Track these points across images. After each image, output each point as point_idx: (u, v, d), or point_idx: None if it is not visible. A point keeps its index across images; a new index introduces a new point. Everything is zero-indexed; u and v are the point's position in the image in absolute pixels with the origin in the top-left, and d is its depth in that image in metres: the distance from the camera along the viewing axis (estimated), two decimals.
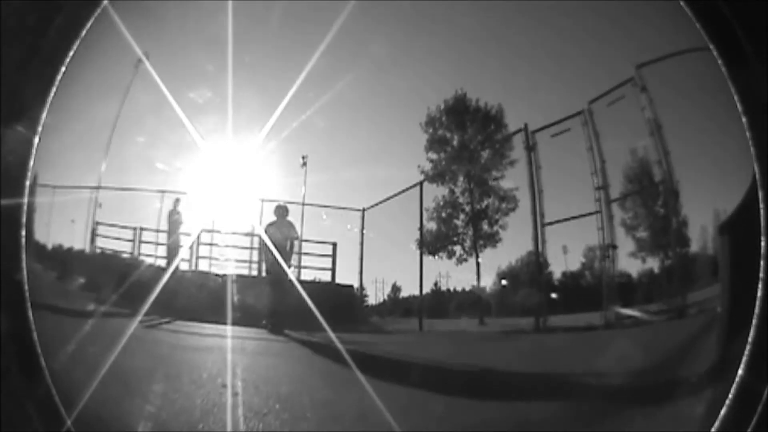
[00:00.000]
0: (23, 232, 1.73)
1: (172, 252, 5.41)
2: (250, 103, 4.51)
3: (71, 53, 1.82)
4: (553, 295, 5.53)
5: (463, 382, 3.77)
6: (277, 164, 5.19)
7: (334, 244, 5.93)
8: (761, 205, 1.54)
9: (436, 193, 6.25)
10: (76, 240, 4.90)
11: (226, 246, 5.66)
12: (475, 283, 6.06)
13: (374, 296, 6.13)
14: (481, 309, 5.99)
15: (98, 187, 4.91)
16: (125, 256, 5.34)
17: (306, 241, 5.79)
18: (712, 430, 1.45)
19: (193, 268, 5.70)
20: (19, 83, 1.72)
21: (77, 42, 1.83)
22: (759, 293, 1.50)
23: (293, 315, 4.86)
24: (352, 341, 4.46)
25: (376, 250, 6.10)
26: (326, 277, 5.88)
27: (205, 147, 4.35)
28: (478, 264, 6.13)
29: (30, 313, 1.73)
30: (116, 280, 4.41)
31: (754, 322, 1.49)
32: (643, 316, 5.17)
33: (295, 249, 5.57)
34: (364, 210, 6.13)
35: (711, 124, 4.93)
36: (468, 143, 6.33)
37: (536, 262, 5.76)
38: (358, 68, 5.15)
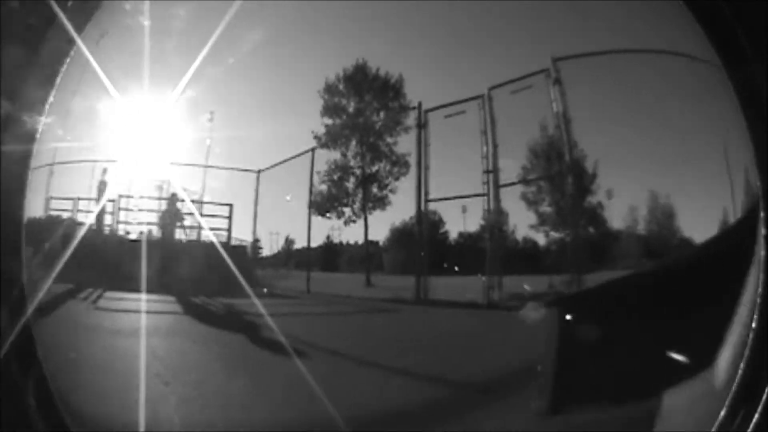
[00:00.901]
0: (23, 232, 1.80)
1: (100, 217, 6.09)
2: (165, 67, 4.48)
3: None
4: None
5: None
6: (186, 123, 5.26)
7: (231, 205, 6.11)
8: (761, 205, 1.51)
9: (329, 157, 6.29)
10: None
11: (140, 210, 5.99)
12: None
13: (269, 248, 6.52)
14: (370, 266, 6.42)
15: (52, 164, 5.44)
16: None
17: (205, 203, 6.00)
18: (713, 430, 1.46)
19: (114, 232, 6.05)
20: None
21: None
22: (759, 291, 1.49)
23: (185, 276, 5.45)
24: (234, 307, 5.03)
25: (271, 209, 6.31)
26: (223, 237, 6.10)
27: (125, 113, 4.43)
28: (366, 225, 6.35)
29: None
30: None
31: (754, 322, 1.47)
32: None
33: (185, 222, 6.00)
34: (260, 171, 6.28)
35: (624, 121, 4.69)
36: (364, 109, 6.12)
37: (419, 241, 5.81)
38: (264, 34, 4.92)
